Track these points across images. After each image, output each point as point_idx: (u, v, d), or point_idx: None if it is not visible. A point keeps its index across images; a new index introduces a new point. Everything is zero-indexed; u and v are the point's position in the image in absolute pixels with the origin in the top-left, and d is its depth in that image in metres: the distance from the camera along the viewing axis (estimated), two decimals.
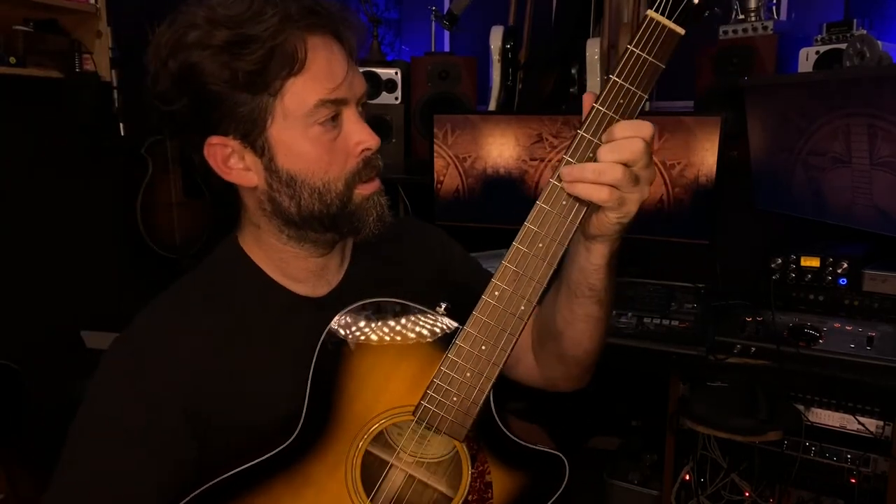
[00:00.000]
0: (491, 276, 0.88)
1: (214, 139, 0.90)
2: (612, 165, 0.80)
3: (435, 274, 1.13)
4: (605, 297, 0.95)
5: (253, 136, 0.89)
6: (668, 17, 0.81)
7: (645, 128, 0.81)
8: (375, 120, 2.57)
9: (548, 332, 1.03)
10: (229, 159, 0.91)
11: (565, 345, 1.01)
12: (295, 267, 0.99)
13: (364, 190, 0.94)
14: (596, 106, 0.83)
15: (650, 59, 0.81)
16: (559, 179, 0.84)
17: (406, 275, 1.10)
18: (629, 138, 0.81)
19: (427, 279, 1.11)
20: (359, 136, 0.92)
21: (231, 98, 0.86)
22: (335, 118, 0.90)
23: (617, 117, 0.82)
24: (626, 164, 0.81)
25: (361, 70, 1.02)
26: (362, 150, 0.92)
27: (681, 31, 0.81)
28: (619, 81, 0.82)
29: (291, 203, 0.92)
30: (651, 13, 0.81)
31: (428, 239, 1.18)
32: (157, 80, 0.88)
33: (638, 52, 0.81)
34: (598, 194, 0.81)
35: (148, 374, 0.91)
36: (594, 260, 0.90)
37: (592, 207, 0.85)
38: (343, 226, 0.95)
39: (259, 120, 0.88)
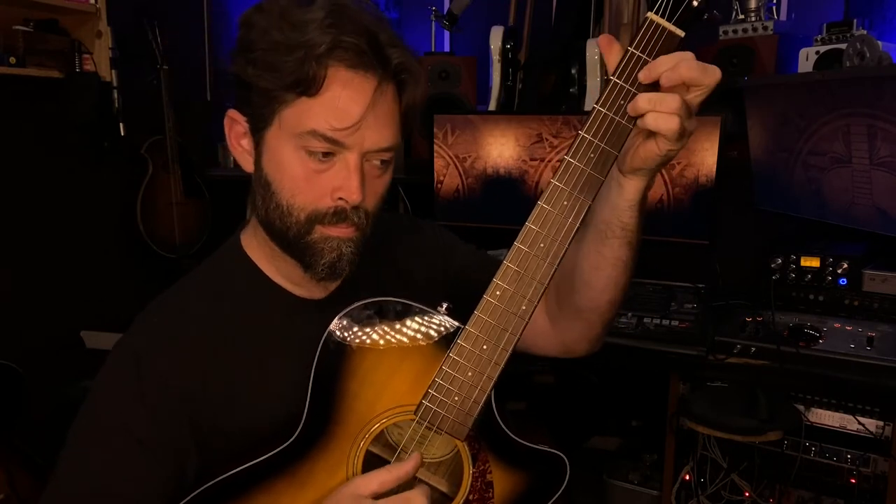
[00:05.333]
0: (497, 262, 0.88)
1: (234, 113, 0.94)
2: (673, 96, 0.79)
3: (438, 272, 1.13)
4: (634, 239, 0.94)
5: (256, 128, 0.92)
6: (668, 20, 0.81)
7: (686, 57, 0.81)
8: None
9: (570, 287, 1.01)
10: (242, 138, 0.95)
11: (590, 296, 0.99)
12: (286, 268, 0.99)
13: (329, 230, 0.91)
14: (597, 107, 0.83)
15: (650, 60, 0.81)
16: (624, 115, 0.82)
17: (408, 276, 1.10)
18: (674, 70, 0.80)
19: (429, 278, 1.11)
20: (342, 183, 0.88)
21: (253, 89, 0.88)
22: (327, 155, 0.88)
23: (617, 118, 0.83)
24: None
25: None
26: (338, 198, 0.90)
27: (680, 33, 0.81)
28: (620, 83, 0.82)
29: (262, 206, 0.93)
30: (651, 15, 0.81)
31: (428, 237, 1.17)
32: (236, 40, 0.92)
33: (638, 53, 0.81)
34: (668, 123, 0.80)
35: (148, 378, 0.91)
36: (628, 196, 0.89)
37: (632, 142, 0.85)
38: (296, 253, 0.93)
39: (265, 118, 0.90)
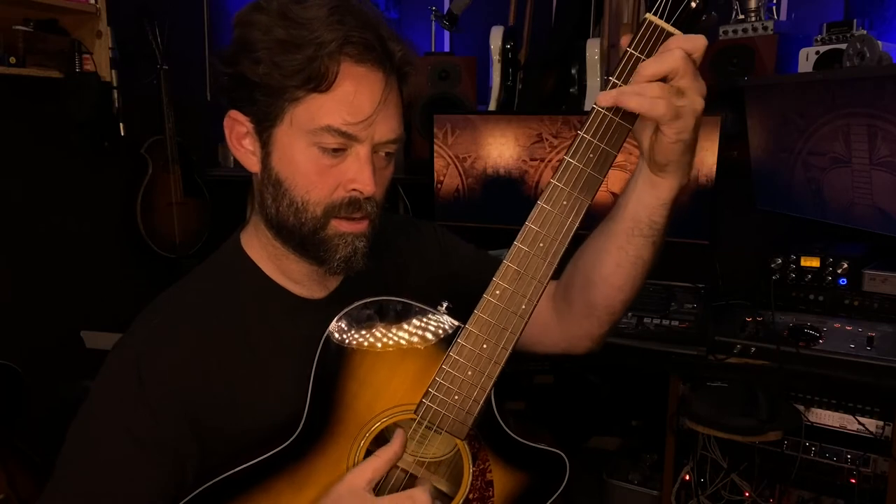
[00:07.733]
0: (496, 261, 0.88)
1: (235, 114, 0.93)
2: (649, 85, 0.80)
3: (437, 271, 1.13)
4: (660, 240, 0.94)
5: (263, 127, 0.91)
6: (667, 20, 0.81)
7: (690, 41, 0.81)
8: None
9: (586, 283, 1.01)
10: (243, 138, 0.94)
11: (607, 293, 1.00)
12: (289, 268, 0.99)
13: (342, 226, 0.92)
14: (596, 108, 0.83)
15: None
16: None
17: (408, 275, 1.10)
18: (670, 51, 0.81)
19: (429, 277, 1.11)
20: (355, 175, 0.90)
21: (258, 87, 0.88)
22: (339, 150, 0.89)
23: (617, 118, 0.83)
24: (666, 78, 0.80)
25: None
26: (352, 189, 0.91)
27: (678, 34, 0.82)
28: (619, 84, 0.82)
29: (272, 204, 0.93)
30: (649, 16, 0.82)
31: (427, 237, 1.18)
32: (230, 41, 0.92)
33: (637, 54, 0.82)
34: (655, 108, 0.80)
35: (148, 378, 0.91)
36: (662, 195, 0.90)
37: (645, 128, 0.85)
38: (310, 250, 0.94)
39: (272, 116, 0.90)
